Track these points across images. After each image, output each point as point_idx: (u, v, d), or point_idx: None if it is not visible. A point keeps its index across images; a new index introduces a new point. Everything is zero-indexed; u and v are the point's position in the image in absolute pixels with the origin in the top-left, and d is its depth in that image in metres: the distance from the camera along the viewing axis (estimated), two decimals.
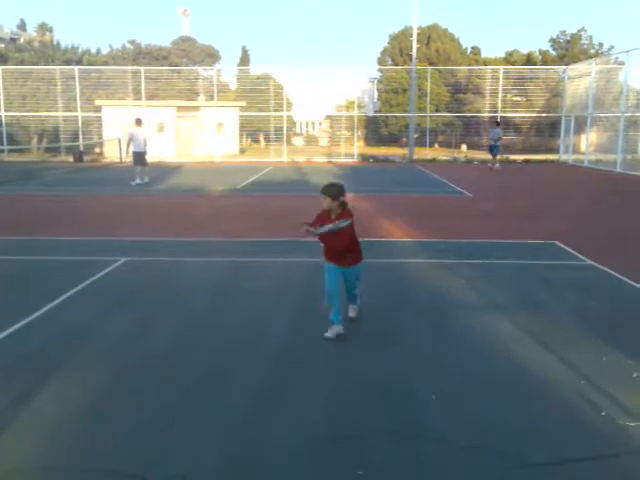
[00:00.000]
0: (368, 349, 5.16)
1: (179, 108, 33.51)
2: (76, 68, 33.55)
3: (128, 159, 21.22)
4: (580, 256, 8.47)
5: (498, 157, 26.71)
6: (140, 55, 47.39)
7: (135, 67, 35.61)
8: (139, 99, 32.83)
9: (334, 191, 5.31)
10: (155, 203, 14.90)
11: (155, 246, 9.43)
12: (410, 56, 34.88)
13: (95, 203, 14.84)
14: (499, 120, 29.10)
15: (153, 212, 13.39)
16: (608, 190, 18.12)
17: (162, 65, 42.83)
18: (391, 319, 5.93)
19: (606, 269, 7.70)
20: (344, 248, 5.40)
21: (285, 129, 33.13)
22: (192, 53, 51.14)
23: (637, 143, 26.14)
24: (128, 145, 19.26)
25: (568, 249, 9.01)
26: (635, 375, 4.54)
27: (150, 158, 20.24)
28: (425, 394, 4.27)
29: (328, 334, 5.33)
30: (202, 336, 5.48)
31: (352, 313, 5.88)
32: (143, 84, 32.78)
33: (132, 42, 49.43)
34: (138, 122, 19.30)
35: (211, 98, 33.76)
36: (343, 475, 3.32)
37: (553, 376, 4.52)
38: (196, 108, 34.03)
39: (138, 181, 18.90)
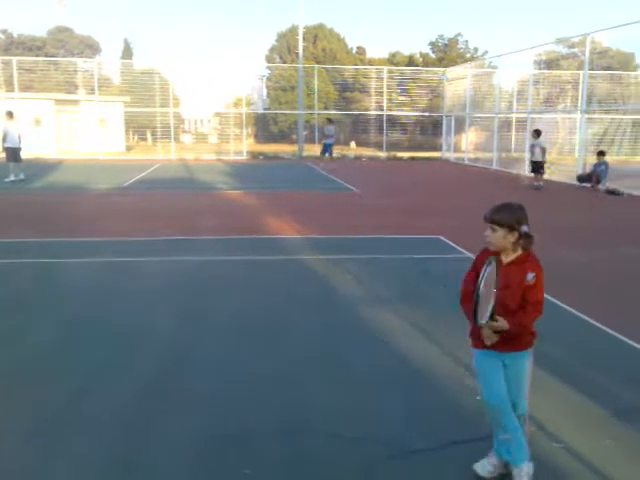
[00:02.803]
0: (256, 346, 5.14)
1: (57, 101, 31.81)
2: None
3: (1, 155, 19.87)
4: (462, 249, 8.90)
5: (334, 155, 25.80)
6: (12, 45, 44.53)
7: (7, 57, 33.33)
8: (12, 91, 30.76)
9: (511, 216, 3.06)
10: (32, 202, 14.03)
11: (32, 247, 8.90)
12: (297, 54, 35.16)
13: None
14: (332, 119, 28.67)
15: (30, 211, 12.59)
16: (486, 187, 19.18)
17: (37, 56, 40.39)
18: (279, 316, 5.94)
19: None
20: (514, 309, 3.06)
21: (172, 126, 32.32)
22: (70, 44, 48.71)
23: (510, 142, 27.85)
24: (3, 141, 18.09)
25: (451, 243, 9.42)
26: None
27: (26, 154, 19.07)
28: (313, 389, 4.32)
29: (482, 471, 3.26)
30: (83, 337, 5.25)
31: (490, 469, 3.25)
32: (16, 75, 30.75)
33: (4, 32, 46.32)
34: (9, 115, 18.14)
35: (92, 92, 32.27)
36: (230, 475, 3.28)
37: (434, 364, 4.72)
38: (76, 102, 32.43)
39: (13, 178, 17.79)
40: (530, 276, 3.02)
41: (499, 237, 3.03)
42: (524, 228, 3.01)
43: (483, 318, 2.95)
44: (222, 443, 3.57)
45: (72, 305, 6.21)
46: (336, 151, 34.12)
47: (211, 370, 4.62)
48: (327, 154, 25.75)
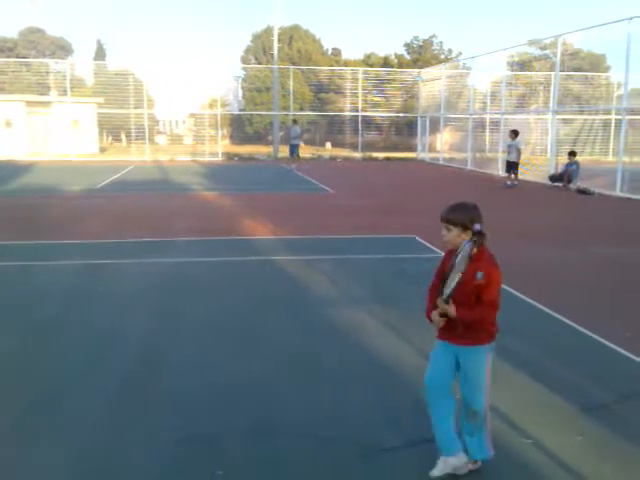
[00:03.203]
0: (231, 348, 5.12)
1: (28, 103, 31.34)
2: None
3: None
4: (436, 249, 8.95)
5: (301, 155, 26.19)
6: None
7: None
8: None
9: (464, 215, 3.14)
10: (3, 205, 13.78)
11: (4, 250, 8.76)
12: (273, 55, 35.11)
13: None
14: (296, 119, 28.75)
15: (1, 214, 12.40)
16: (461, 186, 19.34)
17: (8, 57, 39.78)
18: (253, 317, 5.92)
19: None
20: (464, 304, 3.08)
21: (147, 127, 32.04)
22: (42, 45, 48.00)
23: (484, 143, 28.12)
24: None
25: (426, 243, 9.48)
26: None
27: None
28: (286, 389, 4.31)
29: (435, 472, 3.22)
30: (52, 342, 5.18)
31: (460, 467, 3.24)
32: None
33: None
34: None
35: (64, 93, 31.84)
36: (203, 475, 3.27)
37: (405, 362, 4.73)
38: (48, 103, 31.99)
39: None
40: (479, 275, 3.05)
41: (454, 236, 3.12)
42: (477, 226, 3.05)
43: (447, 289, 3.05)
44: (195, 444, 3.55)
45: (46, 307, 6.11)
46: (311, 152, 34.22)
47: (185, 371, 4.60)
48: (295, 155, 25.88)
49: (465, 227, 3.07)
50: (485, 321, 3.13)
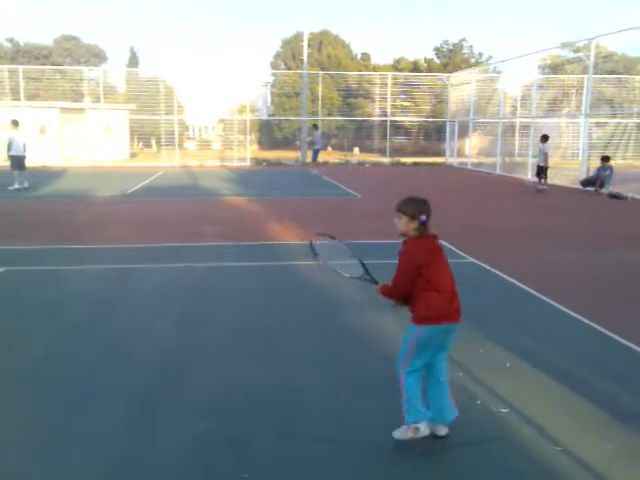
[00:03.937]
0: (255, 352, 5.13)
1: (62, 110, 31.98)
2: None
3: (6, 163, 19.97)
4: (463, 254, 8.86)
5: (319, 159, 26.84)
6: (19, 54, 44.84)
7: (13, 66, 33.57)
8: (18, 99, 30.95)
9: (414, 208, 3.67)
10: (36, 209, 14.09)
11: (36, 255, 8.94)
12: (302, 61, 35.26)
13: None
14: (318, 124, 29.02)
15: (33, 219, 12.64)
16: (489, 192, 19.14)
17: (43, 64, 40.66)
18: (278, 322, 5.94)
19: (488, 267, 8.12)
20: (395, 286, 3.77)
21: (177, 133, 32.42)
22: (76, 53, 48.98)
23: (514, 147, 27.81)
24: (8, 149, 18.21)
25: (453, 247, 9.38)
26: (508, 365, 4.80)
27: (31, 162, 19.17)
28: (310, 395, 4.30)
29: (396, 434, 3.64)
30: (81, 346, 5.25)
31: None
32: (22, 84, 30.94)
33: (10, 40, 46.65)
34: (15, 123, 18.27)
35: (97, 100, 32.43)
36: (228, 478, 3.28)
37: None
38: (81, 110, 32.58)
39: (17, 186, 17.87)
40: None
41: (403, 223, 3.66)
42: (422, 217, 3.61)
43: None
44: (221, 447, 3.57)
45: (74, 311, 6.23)
46: (339, 157, 34.25)
47: (209, 376, 4.63)
48: (315, 159, 26.22)
49: (413, 217, 3.60)
50: (415, 301, 3.67)
